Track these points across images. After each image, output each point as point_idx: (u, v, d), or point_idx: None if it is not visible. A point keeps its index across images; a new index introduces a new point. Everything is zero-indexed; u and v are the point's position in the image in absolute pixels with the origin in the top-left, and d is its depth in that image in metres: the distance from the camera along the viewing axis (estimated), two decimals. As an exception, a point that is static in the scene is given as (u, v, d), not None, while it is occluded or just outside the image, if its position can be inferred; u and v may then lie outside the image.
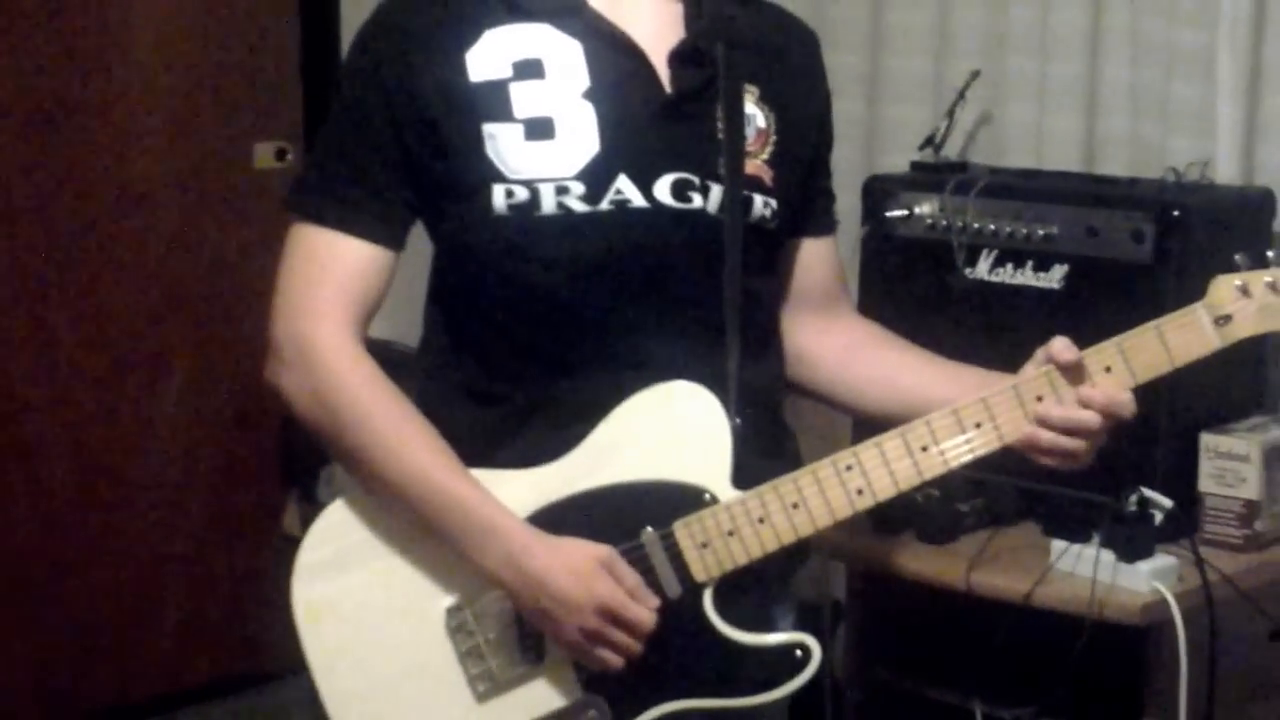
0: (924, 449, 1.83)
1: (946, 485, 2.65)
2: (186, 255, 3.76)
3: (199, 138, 3.76)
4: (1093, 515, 2.46)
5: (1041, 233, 2.68)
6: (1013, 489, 2.67)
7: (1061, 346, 1.83)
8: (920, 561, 2.59)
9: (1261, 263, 1.80)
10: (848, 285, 2.12)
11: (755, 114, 1.92)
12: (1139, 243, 2.58)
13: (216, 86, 3.77)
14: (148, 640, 3.80)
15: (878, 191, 2.88)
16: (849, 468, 1.84)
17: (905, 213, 2.84)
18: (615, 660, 1.82)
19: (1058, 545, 2.48)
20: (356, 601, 1.90)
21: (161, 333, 3.74)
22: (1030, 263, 2.70)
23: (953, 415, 1.83)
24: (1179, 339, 1.80)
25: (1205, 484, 2.57)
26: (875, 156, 3.21)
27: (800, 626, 1.93)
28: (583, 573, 1.80)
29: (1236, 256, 1.80)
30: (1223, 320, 1.80)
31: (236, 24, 3.79)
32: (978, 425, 1.83)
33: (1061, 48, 2.97)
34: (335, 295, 1.85)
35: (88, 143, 3.61)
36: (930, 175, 2.89)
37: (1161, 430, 2.56)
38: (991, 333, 2.69)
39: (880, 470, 1.84)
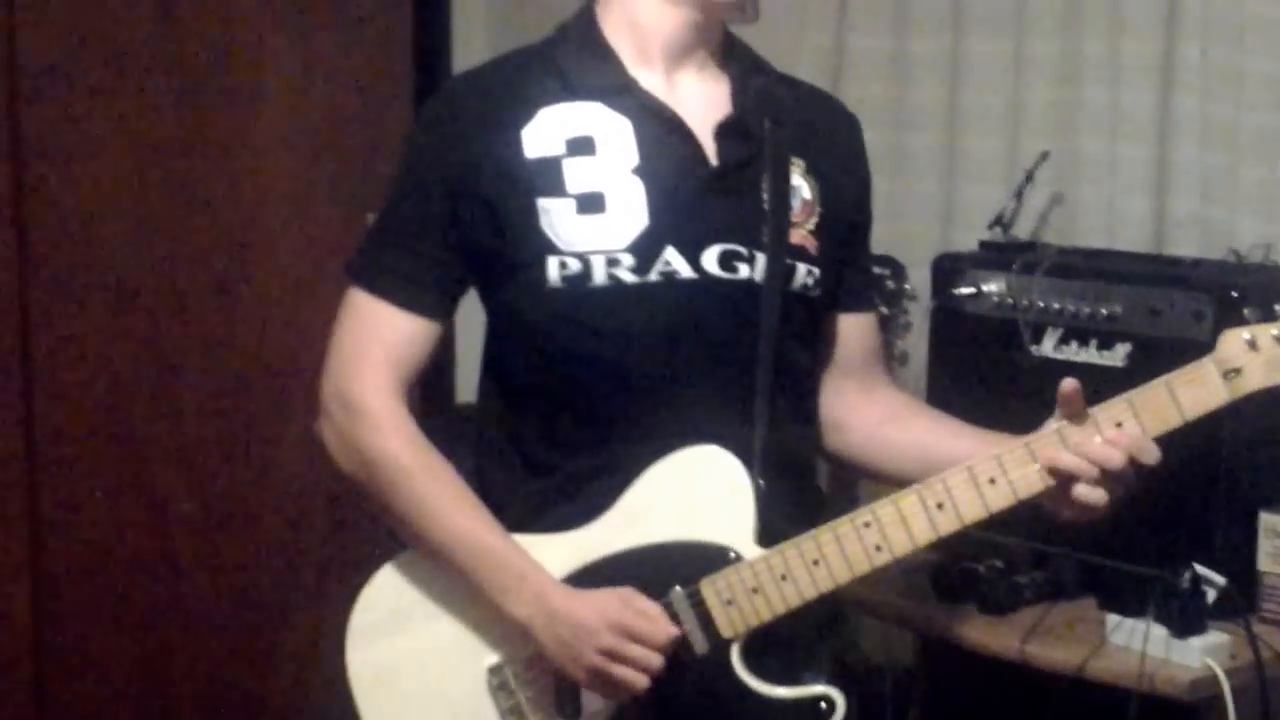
0: (939, 506, 1.88)
1: (1009, 557, 2.69)
2: (304, 312, 3.86)
3: (317, 206, 3.87)
4: (1147, 590, 2.48)
5: (1105, 312, 2.71)
6: (1074, 562, 2.69)
7: (1070, 388, 1.87)
8: (979, 632, 2.61)
9: (1270, 317, 1.82)
10: (884, 360, 2.17)
11: (801, 185, 1.99)
12: (1199, 322, 2.59)
13: (334, 160, 3.88)
14: (267, 684, 3.86)
15: (947, 269, 2.94)
16: (867, 525, 1.89)
17: (973, 290, 2.88)
18: (636, 679, 1.86)
19: (1112, 619, 2.49)
20: (406, 663, 1.99)
21: (282, 384, 3.82)
22: (1094, 341, 2.73)
23: (967, 472, 1.88)
24: (1189, 393, 1.83)
25: (1264, 563, 2.57)
26: (951, 233, 3.26)
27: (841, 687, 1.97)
28: (601, 602, 1.88)
29: (1245, 310, 1.83)
30: (1232, 374, 1.82)
31: (356, 102, 3.89)
32: (991, 481, 1.87)
33: (1132, 129, 3.01)
34: (381, 361, 1.95)
35: (213, 211, 3.72)
36: (998, 254, 2.93)
37: (1221, 508, 2.58)
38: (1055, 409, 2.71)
39: (897, 527, 1.88)
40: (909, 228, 3.31)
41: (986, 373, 2.85)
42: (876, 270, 3.17)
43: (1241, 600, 2.49)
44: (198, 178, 3.69)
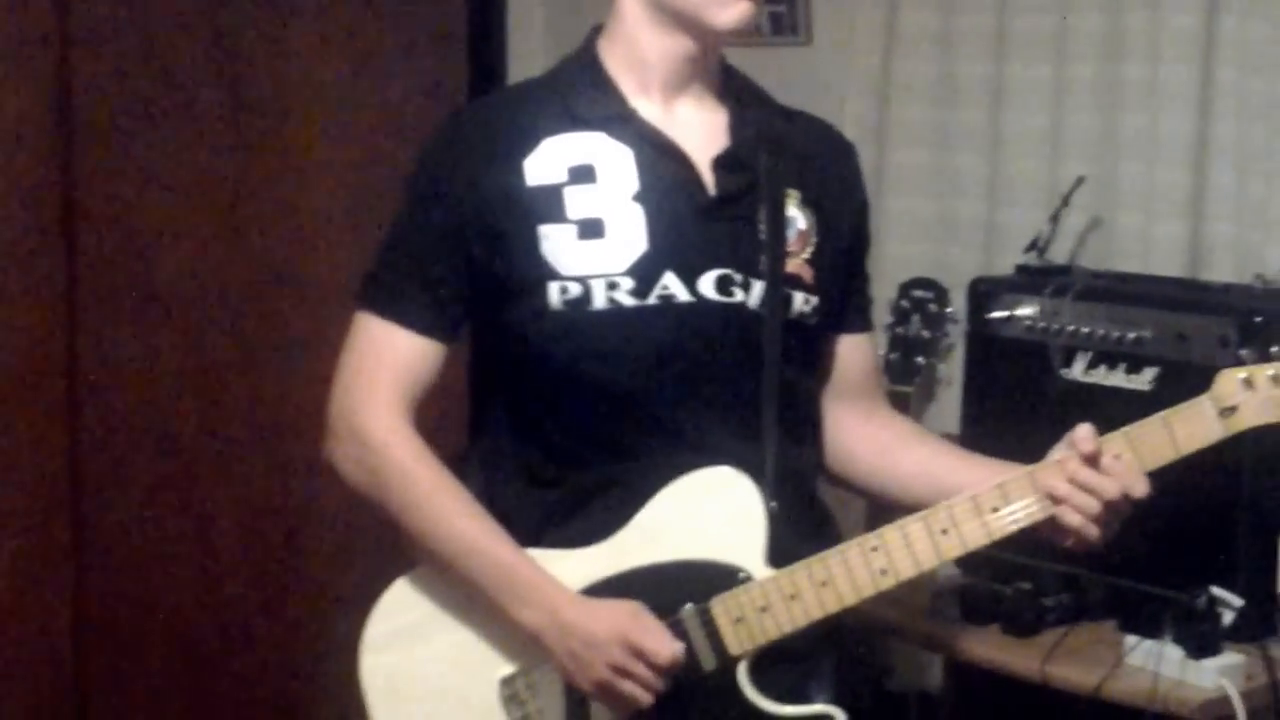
0: (944, 532, 1.94)
1: (1036, 579, 2.73)
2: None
3: (367, 222, 3.82)
4: (1165, 612, 2.51)
5: (1134, 336, 2.75)
6: (1098, 584, 2.72)
7: (1084, 435, 1.92)
8: (1002, 652, 2.65)
9: (1265, 358, 1.87)
10: (882, 382, 2.22)
11: (797, 216, 2.05)
12: (1224, 348, 2.63)
13: (385, 176, 3.85)
14: (311, 699, 3.85)
15: (981, 293, 2.98)
16: (874, 549, 1.95)
17: (1007, 314, 2.93)
18: (641, 695, 1.92)
19: (1130, 640, 2.53)
20: (420, 673, 2.06)
21: (328, 399, 3.87)
22: (1123, 365, 2.77)
23: (971, 501, 1.94)
24: (1184, 429, 1.89)
25: (1284, 585, 2.60)
26: (992, 257, 3.30)
27: (849, 707, 2.02)
28: (611, 616, 1.94)
29: (1242, 351, 1.88)
30: (1228, 412, 1.88)
31: (409, 116, 3.90)
32: (994, 509, 1.94)
33: (1168, 154, 3.04)
34: (388, 382, 2.02)
35: (262, 227, 3.76)
36: (1032, 278, 2.97)
37: (1241, 530, 2.61)
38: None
39: (903, 552, 1.94)
40: (951, 250, 3.36)
41: (1018, 396, 2.89)
42: (919, 293, 3.23)
43: (1259, 622, 2.52)
44: (248, 194, 3.73)
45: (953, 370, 3.25)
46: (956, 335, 3.21)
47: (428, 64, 3.97)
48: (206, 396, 3.74)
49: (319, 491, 3.82)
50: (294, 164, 3.81)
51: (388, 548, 3.82)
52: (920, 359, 3.17)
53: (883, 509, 2.67)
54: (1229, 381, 1.88)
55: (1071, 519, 1.91)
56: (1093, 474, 1.90)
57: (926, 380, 3.22)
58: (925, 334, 3.22)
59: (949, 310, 3.22)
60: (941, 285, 3.23)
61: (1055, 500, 1.92)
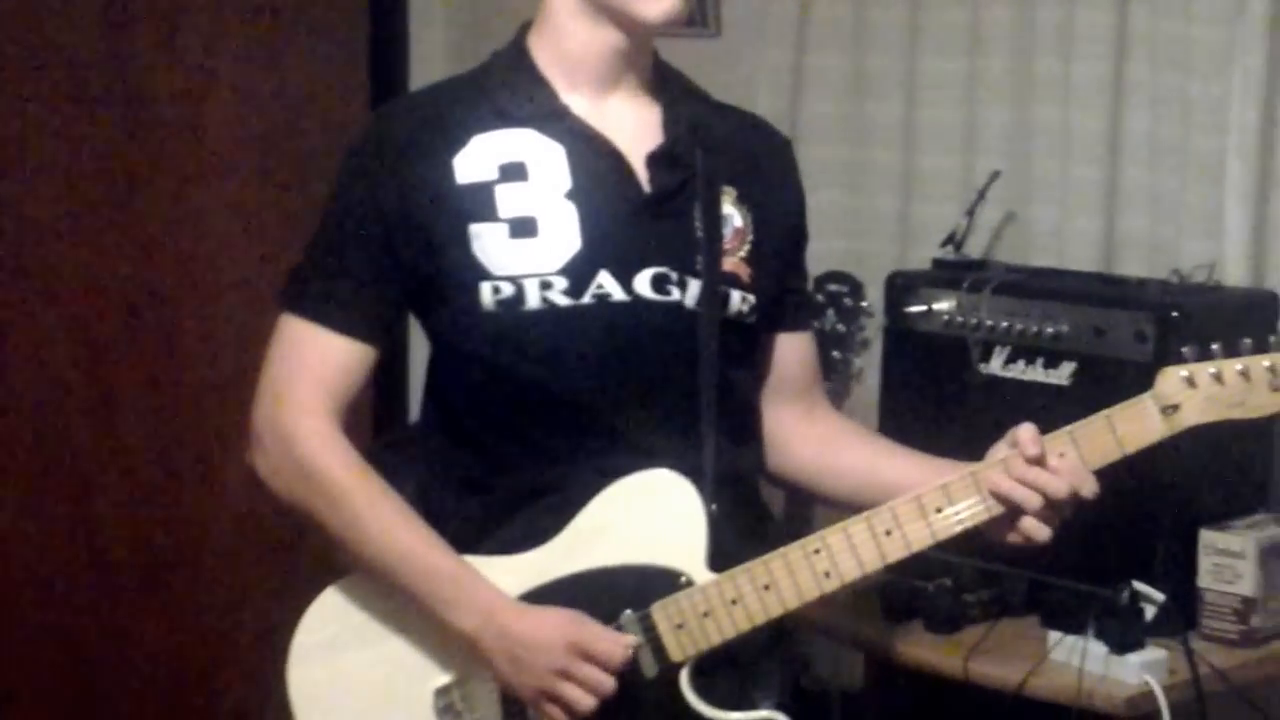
0: (888, 533, 1.92)
1: (958, 576, 2.73)
2: (253, 333, 3.85)
3: (267, 221, 3.83)
4: (1088, 608, 2.52)
5: (1051, 331, 2.76)
6: (1021, 580, 2.73)
7: (1029, 437, 1.92)
8: (924, 650, 2.65)
9: (1207, 355, 1.88)
10: (822, 381, 2.20)
11: (733, 214, 2.03)
12: (1142, 342, 2.64)
13: (285, 174, 3.84)
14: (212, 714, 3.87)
15: (899, 287, 2.98)
16: (817, 551, 1.93)
17: (924, 308, 2.93)
18: (583, 700, 1.89)
19: (1054, 636, 2.54)
20: (350, 685, 2.01)
21: (225, 409, 3.80)
22: (1040, 360, 2.78)
23: (915, 501, 1.93)
24: (1127, 428, 1.90)
25: (1204, 580, 2.62)
26: (906, 251, 3.30)
27: (797, 710, 2.01)
28: (554, 620, 1.91)
29: (1184, 350, 1.89)
30: (1170, 410, 1.88)
31: (309, 114, 3.87)
32: (938, 510, 1.93)
33: (1082, 149, 3.05)
34: (315, 386, 1.97)
35: (159, 223, 3.69)
36: (949, 272, 2.98)
37: (1163, 526, 2.63)
38: (1003, 427, 2.68)
39: (846, 554, 1.93)
40: (867, 245, 3.35)
41: (936, 390, 2.89)
42: (834, 287, 3.22)
43: (1181, 617, 2.54)
44: (141, 189, 3.66)
45: (868, 365, 3.25)
46: (872, 329, 3.21)
47: (327, 56, 3.92)
48: (97, 393, 3.68)
49: (211, 492, 3.79)
50: (188, 158, 3.75)
51: (283, 549, 3.83)
52: (835, 353, 3.17)
53: (801, 506, 2.69)
54: (1171, 379, 1.89)
55: (1021, 520, 1.91)
56: (1042, 473, 1.90)
57: (842, 375, 3.22)
58: (840, 328, 3.21)
59: (864, 304, 3.22)
60: (856, 279, 3.23)
61: (1003, 500, 1.91)
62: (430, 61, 3.97)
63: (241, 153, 3.82)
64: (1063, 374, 2.75)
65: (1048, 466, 1.90)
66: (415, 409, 3.79)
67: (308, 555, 3.73)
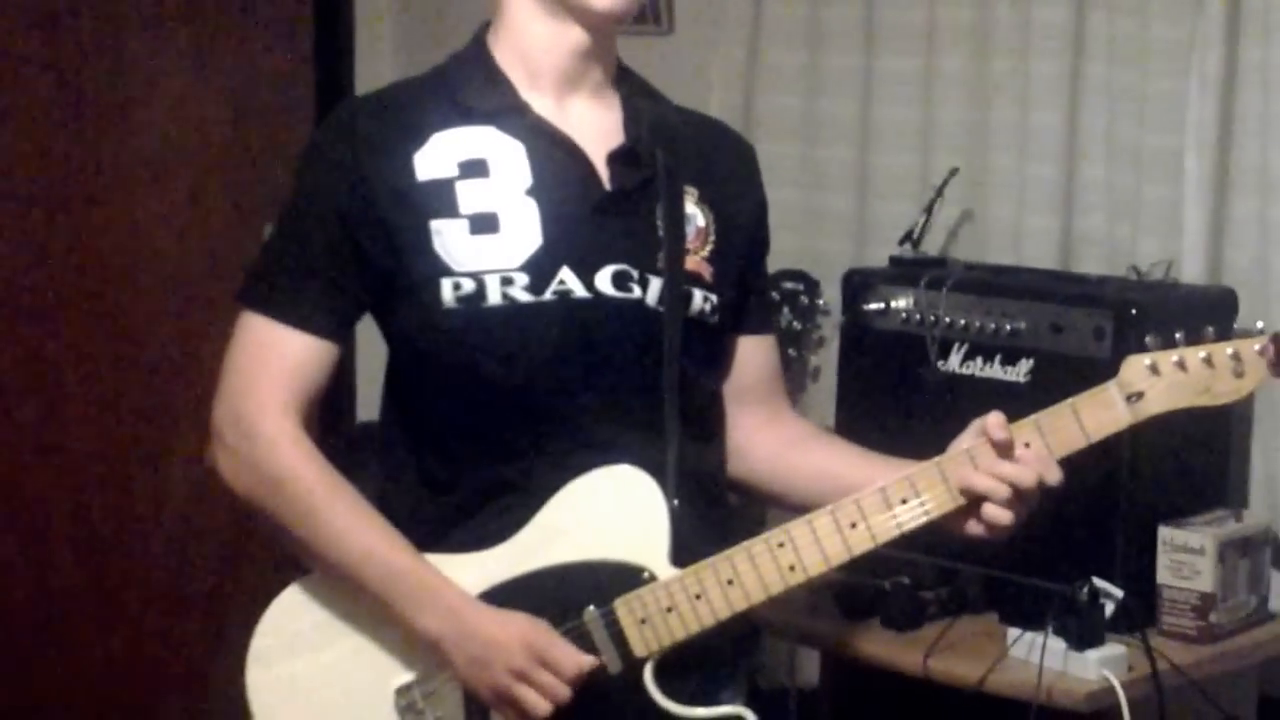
0: (853, 525, 1.91)
1: (915, 573, 2.72)
2: (197, 334, 3.83)
3: (211, 219, 3.82)
4: (1047, 604, 2.52)
5: (1009, 328, 2.76)
6: (979, 578, 2.73)
7: (997, 423, 1.91)
8: (883, 648, 2.64)
9: (1170, 343, 1.87)
10: (784, 384, 2.18)
11: (695, 214, 2.02)
12: (1099, 339, 2.64)
13: (229, 170, 3.83)
14: (154, 712, 3.83)
15: (856, 284, 2.97)
16: (781, 545, 1.91)
17: (882, 306, 2.92)
18: (539, 705, 1.87)
19: (1013, 632, 2.54)
20: (310, 685, 1.98)
21: (170, 411, 3.78)
22: (998, 357, 2.78)
23: (880, 493, 1.91)
24: (1093, 416, 1.89)
25: (1163, 576, 2.62)
26: (863, 249, 3.30)
27: (754, 709, 1.99)
28: (515, 622, 1.89)
29: (1148, 338, 1.88)
30: (1134, 397, 1.88)
31: (252, 106, 3.86)
32: (904, 501, 1.91)
33: (1038, 147, 3.06)
34: (277, 384, 1.94)
35: (99, 224, 3.67)
36: (907, 270, 2.97)
37: (1122, 522, 2.63)
38: (961, 423, 2.68)
39: (811, 547, 1.91)
40: (822, 242, 3.35)
41: (894, 388, 2.89)
42: (790, 285, 3.22)
43: (1140, 613, 2.54)
44: (84, 188, 3.64)
45: (824, 363, 3.25)
46: (828, 327, 3.21)
47: (271, 52, 3.90)
48: (41, 393, 3.66)
49: (155, 492, 3.77)
50: (132, 157, 3.73)
51: (228, 547, 3.80)
52: (791, 351, 3.16)
53: (756, 506, 2.67)
54: (1135, 367, 1.88)
55: (987, 509, 1.89)
56: (1008, 463, 1.89)
57: (798, 373, 3.22)
58: (796, 326, 3.21)
59: (820, 302, 3.23)
60: (812, 277, 3.23)
61: (968, 491, 1.90)
62: (376, 62, 3.96)
63: (185, 152, 3.80)
64: (1020, 371, 2.75)
65: (1014, 456, 1.89)
66: (362, 407, 3.84)
67: (253, 554, 3.79)
